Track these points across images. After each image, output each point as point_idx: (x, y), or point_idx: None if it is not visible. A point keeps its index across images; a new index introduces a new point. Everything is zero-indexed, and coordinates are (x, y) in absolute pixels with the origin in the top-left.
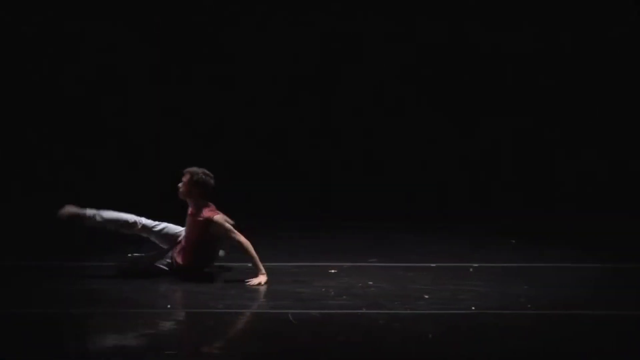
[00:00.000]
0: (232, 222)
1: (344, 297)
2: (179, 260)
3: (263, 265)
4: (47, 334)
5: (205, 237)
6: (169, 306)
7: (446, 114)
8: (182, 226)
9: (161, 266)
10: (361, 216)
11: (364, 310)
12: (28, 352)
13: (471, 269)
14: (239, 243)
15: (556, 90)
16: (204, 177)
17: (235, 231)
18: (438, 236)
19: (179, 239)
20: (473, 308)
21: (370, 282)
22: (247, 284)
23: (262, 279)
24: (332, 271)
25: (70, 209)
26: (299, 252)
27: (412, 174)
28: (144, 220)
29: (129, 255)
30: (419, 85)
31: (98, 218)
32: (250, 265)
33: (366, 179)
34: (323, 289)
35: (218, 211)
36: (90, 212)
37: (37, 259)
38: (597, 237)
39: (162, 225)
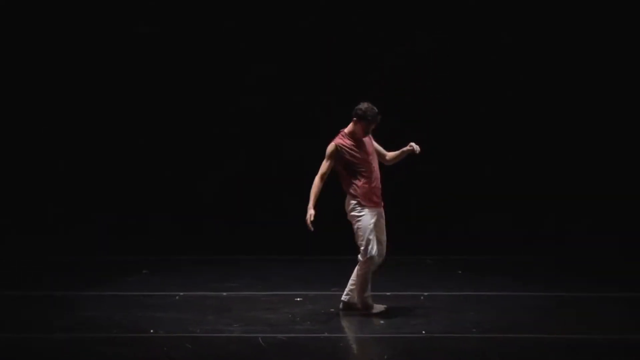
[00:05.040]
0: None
1: (308, 322)
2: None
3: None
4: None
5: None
6: (151, 331)
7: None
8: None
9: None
10: (323, 247)
11: (326, 334)
12: None
13: (422, 297)
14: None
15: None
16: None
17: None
18: (391, 268)
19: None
20: (423, 332)
21: (332, 310)
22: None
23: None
24: (298, 299)
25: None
26: (270, 282)
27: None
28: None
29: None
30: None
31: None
32: None
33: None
34: (290, 315)
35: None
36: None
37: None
38: (540, 267)
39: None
